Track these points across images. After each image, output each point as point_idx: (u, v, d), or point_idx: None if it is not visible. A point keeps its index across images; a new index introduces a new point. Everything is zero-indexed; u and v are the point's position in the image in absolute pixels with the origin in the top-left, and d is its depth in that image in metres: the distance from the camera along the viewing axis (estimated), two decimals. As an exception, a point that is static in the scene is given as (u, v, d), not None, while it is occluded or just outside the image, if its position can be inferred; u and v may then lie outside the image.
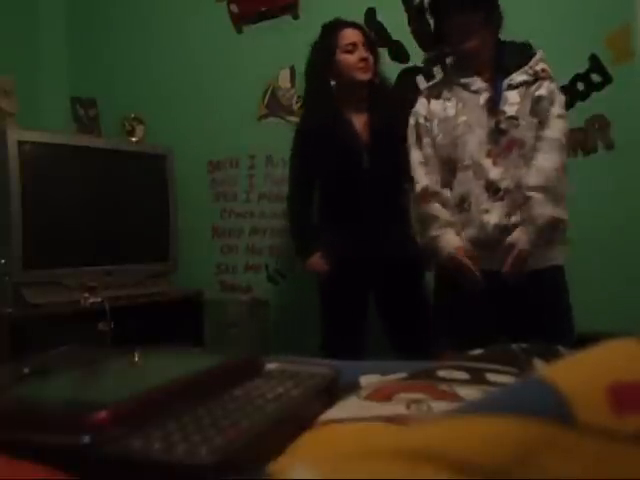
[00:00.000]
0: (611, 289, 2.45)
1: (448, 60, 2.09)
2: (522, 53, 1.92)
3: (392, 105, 2.32)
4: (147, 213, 2.87)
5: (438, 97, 1.95)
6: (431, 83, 2.07)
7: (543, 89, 1.86)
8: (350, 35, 2.31)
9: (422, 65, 2.75)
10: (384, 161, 2.25)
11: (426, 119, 1.96)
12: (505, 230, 1.84)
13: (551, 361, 0.55)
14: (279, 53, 2.98)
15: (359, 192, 2.27)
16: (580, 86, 2.49)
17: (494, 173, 1.84)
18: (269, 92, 3.04)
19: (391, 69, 2.74)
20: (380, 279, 2.33)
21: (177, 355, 0.73)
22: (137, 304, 2.65)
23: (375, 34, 2.81)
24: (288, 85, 3.00)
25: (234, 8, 3.06)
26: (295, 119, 2.98)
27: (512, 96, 1.87)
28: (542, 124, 1.85)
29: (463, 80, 1.92)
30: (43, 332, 2.24)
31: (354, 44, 2.29)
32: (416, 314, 2.31)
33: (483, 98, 1.88)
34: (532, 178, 1.82)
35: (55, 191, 2.55)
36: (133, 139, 3.15)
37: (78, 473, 0.41)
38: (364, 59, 2.26)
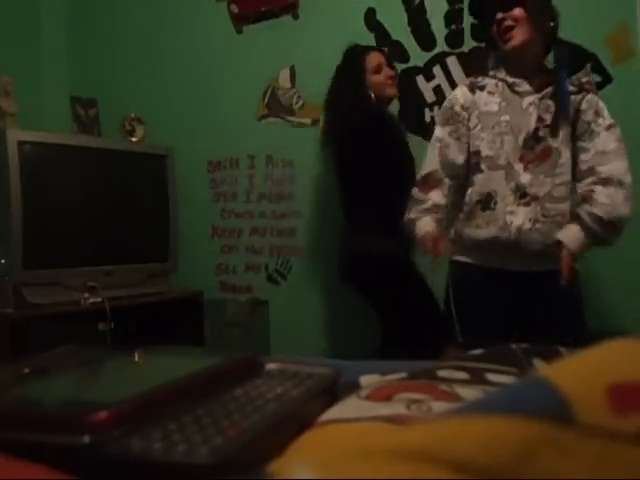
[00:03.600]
0: (611, 289, 2.45)
1: (493, 56, 2.05)
2: (574, 60, 1.94)
3: None
4: (147, 213, 2.87)
5: (482, 89, 1.94)
6: (477, 77, 2.03)
7: (585, 102, 1.87)
8: (375, 58, 2.54)
9: (422, 65, 2.76)
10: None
11: (463, 108, 1.94)
12: (528, 235, 1.84)
13: (551, 361, 0.54)
14: (279, 53, 2.98)
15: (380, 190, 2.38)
16: (580, 86, 2.48)
17: (525, 178, 1.84)
18: (269, 92, 3.04)
19: (391, 69, 2.74)
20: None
21: (177, 355, 0.73)
22: (137, 304, 2.65)
23: (375, 34, 2.82)
24: (288, 85, 3.00)
25: (234, 8, 3.06)
26: (295, 119, 2.99)
27: (555, 105, 1.86)
28: (584, 137, 1.87)
29: (510, 79, 1.90)
30: (43, 332, 2.24)
31: (380, 65, 2.54)
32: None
33: (528, 101, 1.87)
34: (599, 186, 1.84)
35: (55, 191, 2.55)
36: (133, 139, 3.15)
37: (78, 473, 0.41)
38: (391, 77, 2.55)
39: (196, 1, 3.16)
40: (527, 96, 1.88)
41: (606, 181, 1.83)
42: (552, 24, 1.90)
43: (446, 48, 2.73)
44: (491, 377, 0.61)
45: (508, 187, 1.85)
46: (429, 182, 1.97)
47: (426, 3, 2.76)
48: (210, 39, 3.13)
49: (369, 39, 2.82)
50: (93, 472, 0.41)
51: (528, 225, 1.83)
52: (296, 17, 2.97)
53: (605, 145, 1.85)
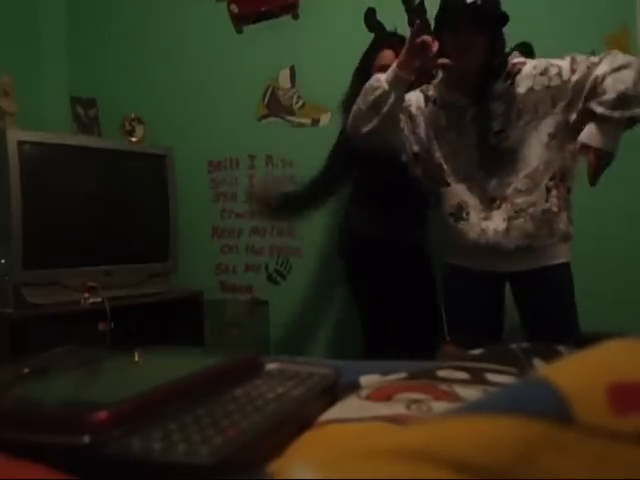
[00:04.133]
0: (611, 289, 2.45)
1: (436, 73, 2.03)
2: (503, 63, 1.86)
3: None
4: (147, 213, 2.87)
5: (434, 103, 1.93)
6: (428, 87, 2.00)
7: (521, 82, 1.81)
8: (386, 56, 2.41)
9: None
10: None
11: (418, 111, 1.94)
12: (506, 235, 1.83)
13: (551, 361, 0.54)
14: (279, 53, 2.98)
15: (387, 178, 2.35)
16: (580, 86, 2.48)
17: (490, 184, 1.84)
18: (269, 92, 3.04)
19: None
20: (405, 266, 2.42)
21: (177, 355, 0.73)
22: (137, 304, 2.65)
23: (375, 34, 2.81)
24: (288, 85, 3.00)
25: (234, 8, 3.06)
26: (295, 119, 2.99)
27: (496, 108, 1.83)
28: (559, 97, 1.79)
29: (450, 98, 1.90)
30: (43, 332, 2.24)
31: (387, 66, 2.42)
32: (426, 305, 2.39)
33: (470, 115, 1.86)
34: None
35: (55, 191, 2.55)
36: (133, 139, 3.15)
37: (78, 473, 0.41)
38: None
39: (196, 1, 3.16)
40: (468, 109, 1.86)
41: (605, 74, 1.72)
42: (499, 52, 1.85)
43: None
44: (491, 377, 0.61)
45: (475, 196, 1.86)
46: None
47: (426, 3, 2.75)
48: (210, 39, 3.13)
49: (369, 39, 2.82)
50: (93, 472, 0.41)
51: (503, 225, 1.82)
52: (296, 17, 2.97)
53: (601, 71, 1.74)
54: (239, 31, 3.09)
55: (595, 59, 1.77)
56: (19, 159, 2.38)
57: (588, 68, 1.76)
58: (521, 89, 1.81)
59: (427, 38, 1.70)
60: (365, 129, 1.80)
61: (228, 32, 3.09)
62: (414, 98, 1.95)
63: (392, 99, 1.75)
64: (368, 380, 0.68)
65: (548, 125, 1.81)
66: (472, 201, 1.86)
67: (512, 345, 0.69)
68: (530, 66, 1.84)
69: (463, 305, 1.96)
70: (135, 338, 2.59)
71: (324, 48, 2.89)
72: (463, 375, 0.62)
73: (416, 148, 1.95)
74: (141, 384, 0.53)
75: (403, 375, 0.64)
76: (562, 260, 1.91)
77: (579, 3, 2.52)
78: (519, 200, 1.83)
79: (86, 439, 0.42)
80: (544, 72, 1.81)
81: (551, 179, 1.84)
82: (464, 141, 1.86)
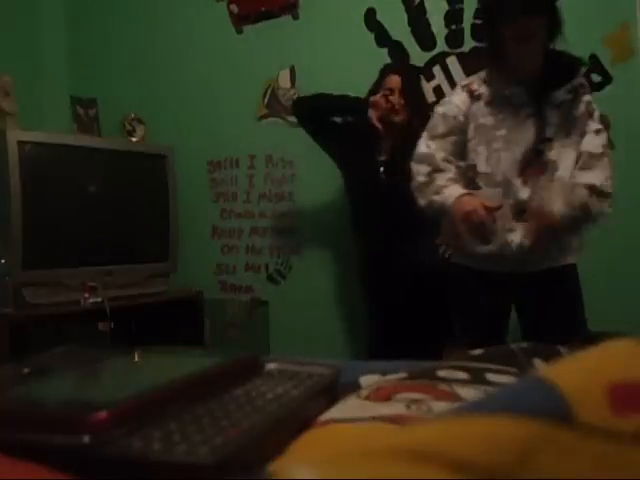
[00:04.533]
0: (611, 289, 2.45)
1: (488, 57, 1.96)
2: (571, 68, 1.85)
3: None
4: (147, 213, 2.87)
5: (479, 99, 1.87)
6: (473, 80, 1.94)
7: (582, 105, 1.81)
8: (392, 81, 2.51)
9: (422, 65, 2.76)
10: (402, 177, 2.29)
11: (465, 117, 1.87)
12: (528, 251, 1.80)
13: (551, 361, 0.54)
14: (279, 53, 2.99)
15: (379, 204, 2.45)
16: (580, 86, 2.48)
17: (524, 193, 1.80)
18: (269, 92, 3.04)
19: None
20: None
21: (177, 355, 0.73)
22: (137, 304, 2.65)
23: (375, 34, 2.81)
24: (288, 85, 3.00)
25: (234, 8, 3.07)
26: (295, 119, 2.98)
27: (553, 115, 1.81)
28: (574, 133, 1.82)
29: (507, 91, 1.84)
30: (43, 332, 2.24)
31: (390, 89, 2.50)
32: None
33: (525, 114, 1.81)
34: (582, 179, 1.78)
35: (55, 191, 2.55)
36: (133, 139, 3.15)
37: (78, 473, 0.41)
38: (396, 104, 2.47)
39: (196, 1, 3.16)
40: (525, 107, 1.82)
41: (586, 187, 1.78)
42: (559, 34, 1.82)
43: (446, 48, 2.73)
44: (491, 377, 0.61)
45: (507, 204, 1.80)
46: (433, 171, 1.86)
47: (426, 3, 2.76)
48: (210, 39, 3.13)
49: (369, 39, 2.82)
50: (93, 472, 0.41)
51: (527, 242, 1.79)
52: (296, 17, 2.97)
53: (592, 147, 1.80)
54: (239, 31, 3.09)
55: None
56: (19, 159, 2.38)
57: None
58: (579, 109, 1.82)
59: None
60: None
61: (228, 32, 3.09)
62: (458, 102, 1.89)
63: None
64: (368, 380, 0.68)
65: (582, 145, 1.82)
66: (502, 208, 1.78)
67: (512, 345, 0.69)
68: (590, 97, 1.86)
69: (474, 310, 1.93)
70: (135, 338, 2.59)
71: (324, 48, 2.89)
72: (463, 375, 0.62)
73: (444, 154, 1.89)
74: (141, 384, 0.53)
75: (403, 375, 0.64)
76: (571, 261, 1.91)
77: (579, 3, 2.52)
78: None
79: (86, 439, 0.42)
80: (591, 109, 1.83)
81: None
82: (512, 142, 1.81)
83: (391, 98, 2.45)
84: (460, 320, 1.99)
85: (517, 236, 1.81)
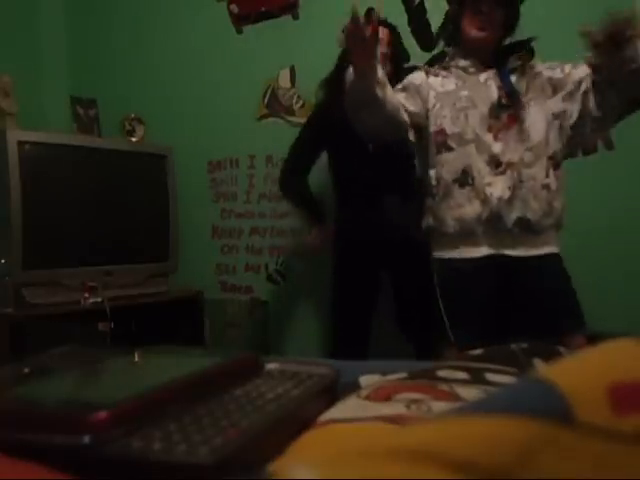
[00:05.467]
0: (611, 289, 2.45)
1: (448, 49, 2.10)
2: (520, 43, 1.96)
3: None
4: (147, 213, 2.87)
5: (437, 75, 1.97)
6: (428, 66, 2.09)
7: (536, 67, 1.92)
8: (381, 32, 2.43)
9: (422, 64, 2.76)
10: (389, 146, 2.30)
11: (421, 85, 1.96)
12: (509, 204, 1.83)
13: (551, 361, 0.55)
14: (279, 53, 2.99)
15: (367, 174, 2.40)
16: (580, 86, 2.48)
17: (496, 147, 1.85)
18: (269, 92, 3.04)
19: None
20: (392, 261, 2.46)
21: (177, 355, 0.73)
22: (137, 304, 2.65)
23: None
24: (288, 85, 3.00)
25: (234, 8, 3.07)
26: (295, 119, 2.98)
27: (510, 77, 1.90)
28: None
29: (462, 63, 1.94)
30: (43, 332, 2.24)
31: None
32: (426, 297, 2.39)
33: (484, 77, 1.91)
34: None
35: (55, 191, 2.55)
36: (133, 139, 3.15)
37: (78, 473, 0.41)
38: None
39: (196, 1, 3.16)
40: (481, 72, 1.92)
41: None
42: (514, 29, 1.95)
43: (446, 48, 2.72)
44: (491, 377, 0.61)
45: (481, 159, 1.85)
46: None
47: (426, 3, 2.76)
48: (210, 39, 3.13)
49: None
50: (93, 472, 0.41)
51: (507, 193, 1.83)
52: (296, 17, 2.97)
53: (581, 67, 1.89)
54: (239, 31, 3.09)
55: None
56: (19, 159, 2.38)
57: (589, 71, 1.87)
58: (530, 71, 1.91)
59: (351, 26, 1.71)
60: (360, 121, 1.89)
61: (228, 32, 3.09)
62: (415, 75, 2.00)
63: (360, 86, 1.81)
64: (368, 380, 0.68)
65: (552, 107, 1.89)
66: (478, 164, 1.85)
67: (512, 345, 0.69)
68: (538, 61, 1.96)
69: (464, 304, 1.92)
70: (135, 338, 2.59)
71: (324, 48, 2.88)
72: (463, 375, 0.62)
73: (420, 120, 1.96)
74: (141, 384, 0.53)
75: (403, 375, 0.64)
76: (554, 250, 1.92)
77: (579, 3, 2.52)
78: (523, 171, 1.84)
79: (86, 439, 0.42)
80: (550, 67, 1.93)
81: (550, 158, 1.87)
82: (476, 99, 1.88)
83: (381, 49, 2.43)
84: (455, 319, 1.95)
85: (497, 189, 1.83)
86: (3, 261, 2.38)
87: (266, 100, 3.04)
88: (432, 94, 1.94)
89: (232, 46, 3.09)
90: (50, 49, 3.33)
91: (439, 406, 0.53)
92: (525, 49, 1.94)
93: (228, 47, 3.09)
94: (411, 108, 1.95)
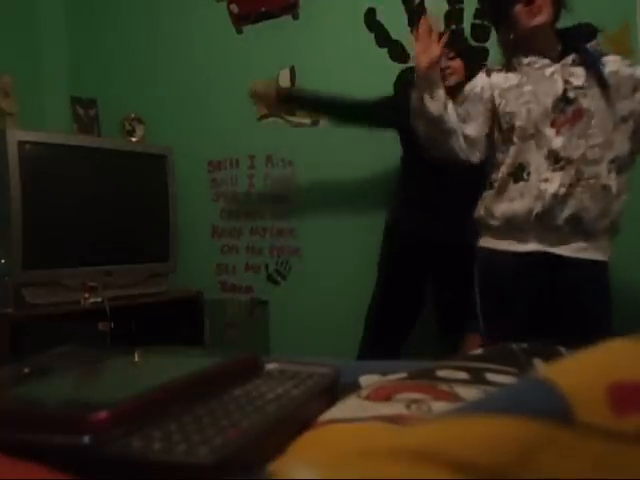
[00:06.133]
0: (611, 289, 2.44)
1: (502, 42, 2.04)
2: (584, 33, 1.92)
3: None
4: (147, 213, 2.87)
5: (500, 71, 1.93)
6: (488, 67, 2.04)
7: (612, 64, 1.85)
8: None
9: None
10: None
11: (483, 89, 1.92)
12: (563, 201, 1.79)
13: (551, 361, 0.55)
14: (279, 53, 2.98)
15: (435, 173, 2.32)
16: (580, 86, 2.48)
17: (557, 142, 1.80)
18: (269, 92, 3.03)
19: (391, 69, 2.74)
20: (440, 263, 2.43)
21: (177, 355, 0.73)
22: (137, 304, 2.65)
23: (375, 34, 2.81)
24: (288, 85, 3.00)
25: (234, 8, 3.06)
26: (295, 119, 2.99)
27: (577, 71, 1.84)
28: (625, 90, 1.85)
29: (526, 60, 1.88)
30: (43, 332, 2.24)
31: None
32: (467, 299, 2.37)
33: (549, 72, 1.85)
34: None
35: (55, 191, 2.55)
36: (133, 139, 3.15)
37: (78, 473, 0.41)
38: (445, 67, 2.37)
39: (196, 1, 3.16)
40: (547, 67, 1.86)
41: None
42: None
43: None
44: (491, 377, 0.61)
45: (540, 154, 1.81)
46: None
47: (426, 3, 2.76)
48: (210, 39, 3.13)
49: (369, 39, 2.82)
50: (93, 472, 0.41)
51: (563, 190, 1.78)
52: (296, 17, 2.97)
53: None
54: (239, 31, 3.09)
55: None
56: (19, 159, 2.38)
57: None
58: (606, 68, 1.85)
59: (425, 20, 1.75)
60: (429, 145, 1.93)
61: (228, 32, 3.09)
62: (477, 80, 1.95)
63: (427, 100, 1.82)
64: (368, 380, 0.68)
65: (624, 109, 1.83)
66: (536, 160, 1.81)
67: (512, 345, 0.69)
68: (617, 57, 1.90)
69: (502, 300, 1.88)
70: (135, 338, 2.59)
71: (324, 48, 2.89)
72: (463, 375, 0.62)
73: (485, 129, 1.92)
74: (141, 384, 0.53)
75: (403, 375, 0.64)
76: (604, 257, 1.88)
77: (579, 3, 2.52)
78: (583, 168, 1.79)
79: (86, 439, 0.42)
80: (631, 64, 1.88)
81: (612, 161, 1.82)
82: (539, 93, 1.83)
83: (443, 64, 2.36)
84: (489, 314, 1.92)
85: (552, 185, 1.79)
86: (3, 261, 2.38)
87: (266, 100, 3.04)
88: (497, 92, 1.90)
89: (232, 46, 3.09)
90: (50, 49, 3.33)
91: (439, 406, 0.53)
92: (592, 35, 1.89)
93: (228, 47, 3.09)
94: (469, 132, 1.91)
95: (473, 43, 2.66)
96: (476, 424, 0.34)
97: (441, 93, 1.84)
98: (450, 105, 1.88)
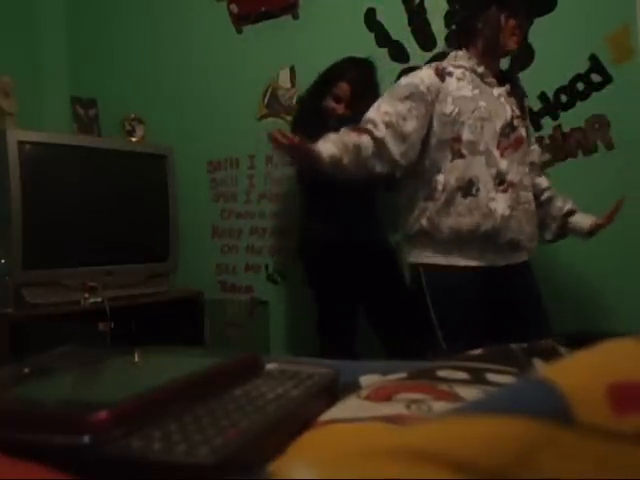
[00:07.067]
0: (611, 289, 2.44)
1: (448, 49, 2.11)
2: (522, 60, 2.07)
3: None
4: (147, 213, 2.87)
5: (450, 76, 1.91)
6: (441, 62, 2.01)
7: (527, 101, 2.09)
8: (343, 89, 2.48)
9: (422, 65, 2.75)
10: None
11: (428, 90, 1.88)
12: (507, 223, 1.85)
13: (551, 361, 0.55)
14: (279, 53, 2.98)
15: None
16: (580, 86, 2.49)
17: (503, 164, 1.86)
18: (269, 92, 3.04)
19: (391, 69, 2.74)
20: (363, 264, 2.46)
21: (177, 355, 0.73)
22: (137, 304, 2.65)
23: (375, 34, 2.81)
24: (288, 85, 3.00)
25: (234, 8, 3.06)
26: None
27: (512, 100, 1.96)
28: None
29: (479, 69, 1.92)
30: (43, 332, 2.24)
31: (339, 98, 2.49)
32: (400, 302, 2.42)
33: (497, 92, 1.92)
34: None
35: (55, 191, 2.55)
36: (133, 139, 3.15)
37: (78, 473, 0.41)
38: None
39: (196, 1, 3.16)
40: (494, 87, 1.92)
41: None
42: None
43: (446, 48, 2.72)
44: (491, 377, 0.61)
45: (489, 173, 1.85)
46: (363, 129, 1.87)
47: (426, 3, 2.76)
48: (210, 39, 3.13)
49: (369, 39, 2.82)
50: (93, 472, 0.41)
51: (507, 212, 1.85)
52: (296, 17, 2.97)
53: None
54: (239, 31, 3.09)
55: None
56: (19, 159, 2.38)
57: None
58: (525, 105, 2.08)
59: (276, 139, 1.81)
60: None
61: (228, 32, 3.09)
62: (424, 76, 1.91)
63: (326, 156, 1.82)
64: (368, 380, 0.68)
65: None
66: (485, 177, 1.84)
67: (512, 345, 0.69)
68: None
69: (460, 314, 1.89)
70: (135, 338, 2.59)
71: (324, 48, 2.88)
72: (463, 375, 0.62)
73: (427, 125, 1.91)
74: (141, 384, 0.53)
75: (403, 375, 0.64)
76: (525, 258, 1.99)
77: (579, 3, 2.52)
78: (522, 193, 1.88)
79: (86, 439, 0.42)
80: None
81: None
82: (493, 114, 1.88)
83: (338, 108, 2.44)
84: (448, 326, 1.90)
85: (499, 206, 1.85)
86: (3, 261, 2.38)
87: (266, 100, 3.04)
88: (449, 100, 1.88)
89: (232, 46, 3.08)
90: (50, 49, 3.33)
91: (439, 406, 0.53)
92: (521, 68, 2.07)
93: (228, 47, 3.09)
94: (409, 129, 1.86)
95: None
96: (476, 424, 0.34)
97: (327, 138, 1.83)
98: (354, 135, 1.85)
